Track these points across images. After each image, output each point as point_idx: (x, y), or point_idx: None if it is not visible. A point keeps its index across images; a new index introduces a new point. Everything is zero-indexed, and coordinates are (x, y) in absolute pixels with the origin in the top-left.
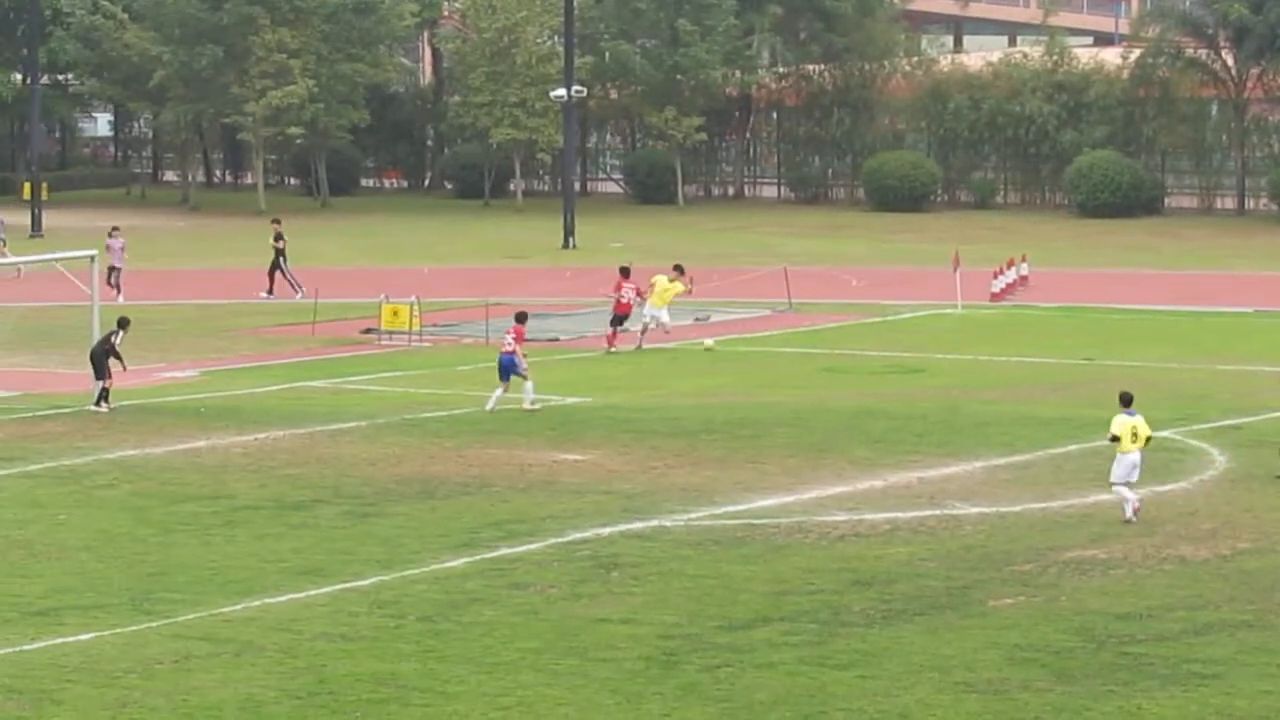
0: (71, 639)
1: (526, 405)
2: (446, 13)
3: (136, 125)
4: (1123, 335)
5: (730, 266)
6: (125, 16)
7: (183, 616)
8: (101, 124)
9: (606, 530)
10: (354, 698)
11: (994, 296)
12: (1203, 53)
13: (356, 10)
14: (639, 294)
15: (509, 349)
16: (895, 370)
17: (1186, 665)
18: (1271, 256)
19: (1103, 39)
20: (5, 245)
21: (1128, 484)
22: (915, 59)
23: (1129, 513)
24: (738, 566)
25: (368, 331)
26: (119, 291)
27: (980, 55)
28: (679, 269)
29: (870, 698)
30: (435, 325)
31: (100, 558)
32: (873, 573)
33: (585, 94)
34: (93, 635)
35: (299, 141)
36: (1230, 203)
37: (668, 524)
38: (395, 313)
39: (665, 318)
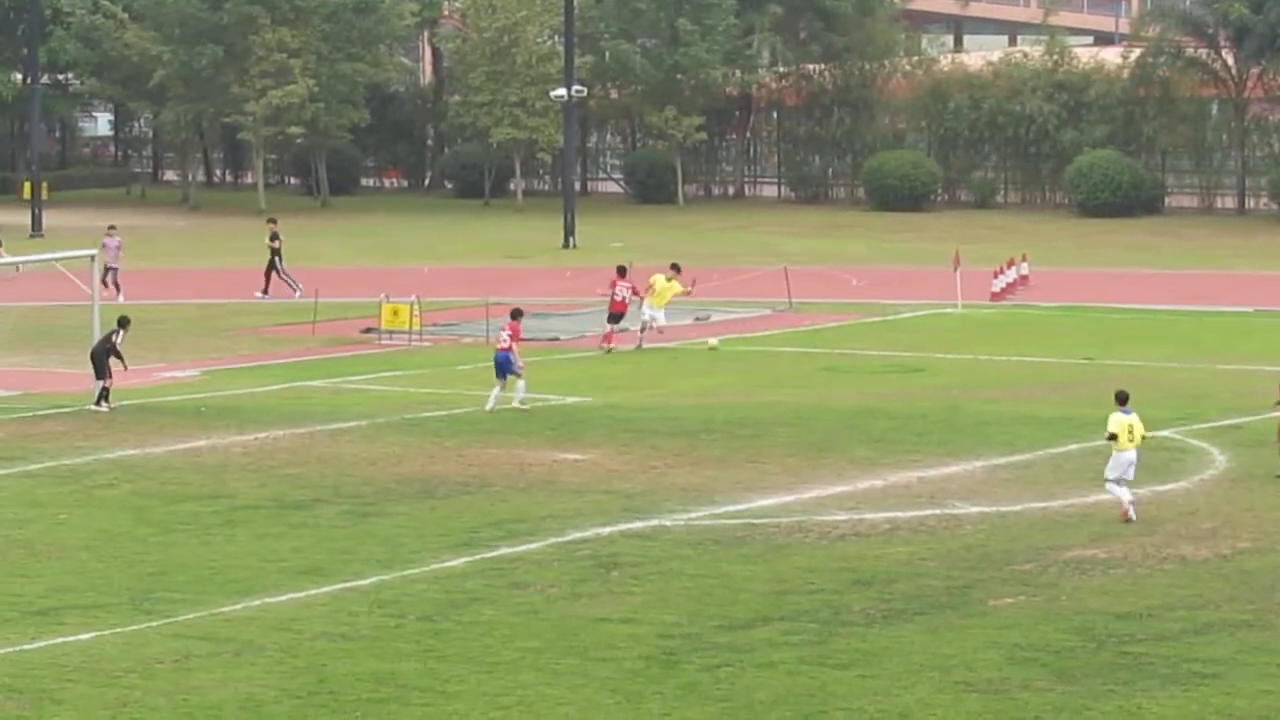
0: (72, 638)
1: (516, 404)
2: (447, 12)
3: (137, 125)
4: (1123, 335)
5: (730, 266)
6: (125, 16)
7: (183, 616)
8: (102, 123)
9: (606, 530)
10: (354, 697)
11: (994, 296)
12: (1203, 52)
13: (357, 10)
14: (634, 292)
15: (504, 346)
16: (895, 370)
17: (1187, 665)
18: (1272, 256)
19: (1103, 38)
20: (0, 245)
21: (1122, 482)
22: (915, 58)
23: (1130, 512)
24: (738, 566)
25: (368, 331)
26: (118, 291)
27: (980, 55)
28: (675, 268)
29: (870, 697)
30: (435, 325)
31: (100, 557)
32: (873, 572)
33: (585, 93)
34: (93, 635)
35: (299, 141)
36: (1230, 202)
37: (668, 523)
38: (395, 312)
39: (661, 318)
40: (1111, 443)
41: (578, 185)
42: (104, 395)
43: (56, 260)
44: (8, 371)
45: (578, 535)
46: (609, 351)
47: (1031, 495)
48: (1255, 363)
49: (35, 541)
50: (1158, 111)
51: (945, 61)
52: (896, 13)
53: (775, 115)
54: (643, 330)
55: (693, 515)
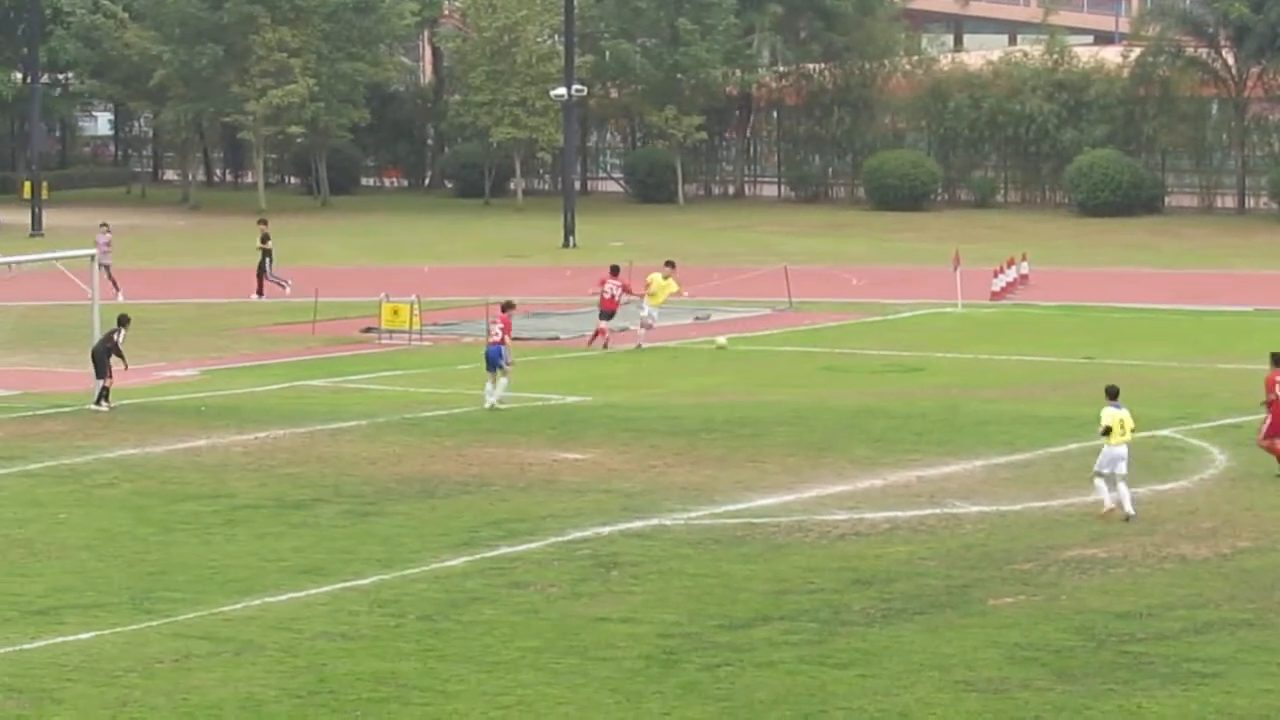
0: (72, 638)
1: (495, 400)
2: (447, 12)
3: (137, 124)
4: (1123, 334)
5: (730, 265)
6: (125, 15)
7: (183, 615)
8: (102, 123)
9: (606, 529)
10: (354, 696)
11: (994, 295)
12: (1203, 51)
13: (357, 9)
14: (626, 290)
15: (497, 340)
16: (895, 369)
17: (1187, 664)
18: (1272, 255)
19: (1103, 38)
20: None
21: (1116, 477)
22: (915, 58)
23: (1129, 507)
24: (738, 565)
25: (368, 330)
26: (116, 288)
27: (980, 54)
28: (670, 265)
29: (870, 696)
30: (435, 324)
31: (100, 557)
32: (873, 571)
33: (585, 93)
34: (93, 634)
35: (299, 140)
36: (1230, 201)
37: (668, 523)
38: (395, 312)
39: (655, 316)
40: (1104, 438)
41: (578, 185)
42: (104, 395)
43: (56, 260)
44: (8, 371)
45: (578, 535)
46: (605, 346)
47: (1031, 494)
48: (1255, 362)
49: (35, 541)
50: (1158, 111)
51: (945, 61)
52: (896, 12)
53: (775, 115)
54: (644, 329)
55: (693, 515)
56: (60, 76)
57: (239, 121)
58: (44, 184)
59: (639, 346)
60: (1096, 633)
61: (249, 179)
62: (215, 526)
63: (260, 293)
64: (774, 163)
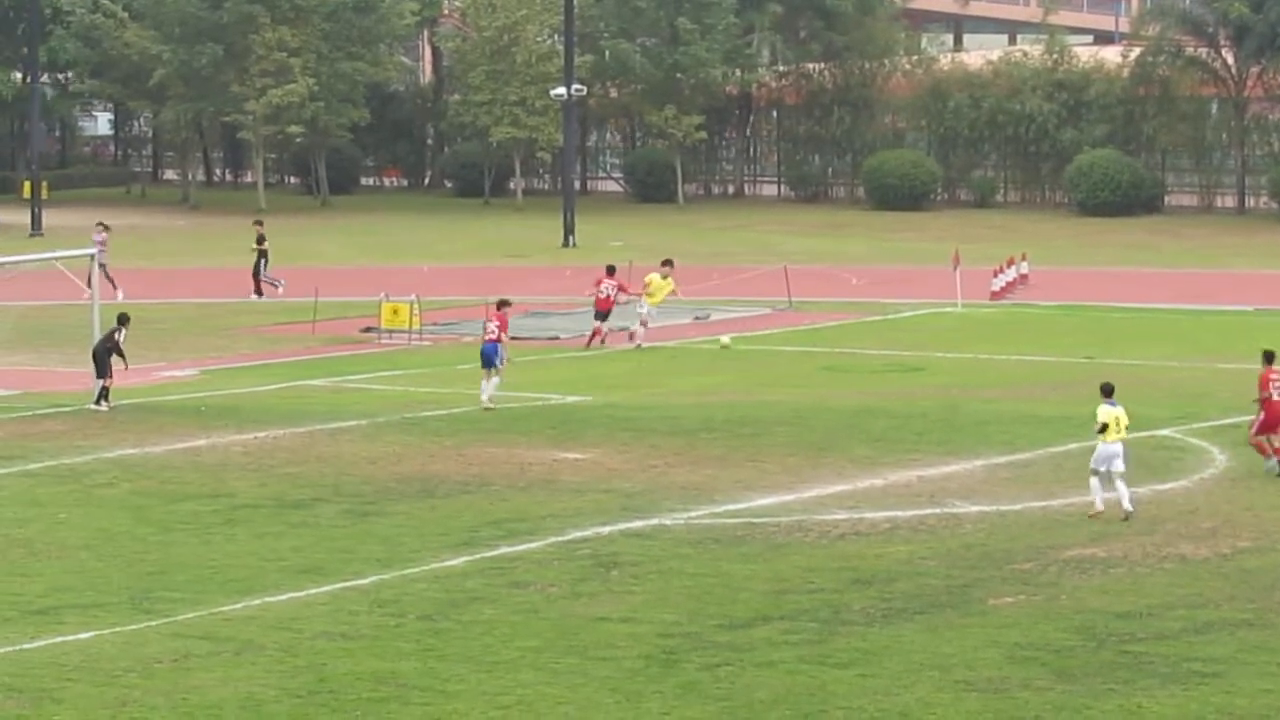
0: (71, 638)
1: (484, 399)
2: (446, 11)
3: (137, 124)
4: (1123, 334)
5: (730, 265)
6: (125, 15)
7: (182, 615)
8: (102, 123)
9: (606, 529)
10: (354, 696)
11: (994, 295)
12: (1203, 51)
13: (357, 9)
14: (622, 289)
15: (493, 337)
16: (895, 369)
17: (1187, 664)
18: (1271, 255)
19: (1103, 37)
20: None
21: (1113, 475)
22: (915, 57)
23: (1128, 504)
24: (738, 565)
25: (368, 330)
26: (115, 287)
27: (980, 54)
28: (668, 264)
29: (870, 696)
30: (435, 324)
31: (100, 556)
32: (873, 571)
33: (585, 92)
34: (92, 634)
35: (299, 140)
36: (1230, 201)
37: (668, 522)
38: (395, 311)
39: (653, 315)
40: (1100, 435)
41: (577, 184)
42: (103, 394)
43: (56, 260)
44: (8, 371)
45: (578, 534)
46: (603, 343)
47: (1031, 494)
48: (1255, 362)
49: (35, 541)
50: (1157, 110)
51: (945, 60)
52: (896, 12)
53: (775, 114)
54: (643, 327)
55: (692, 514)
56: (60, 76)
57: (239, 121)
58: (44, 184)
59: (639, 346)
60: (1096, 632)
61: (249, 179)
62: (215, 526)
63: (259, 293)
64: (774, 162)
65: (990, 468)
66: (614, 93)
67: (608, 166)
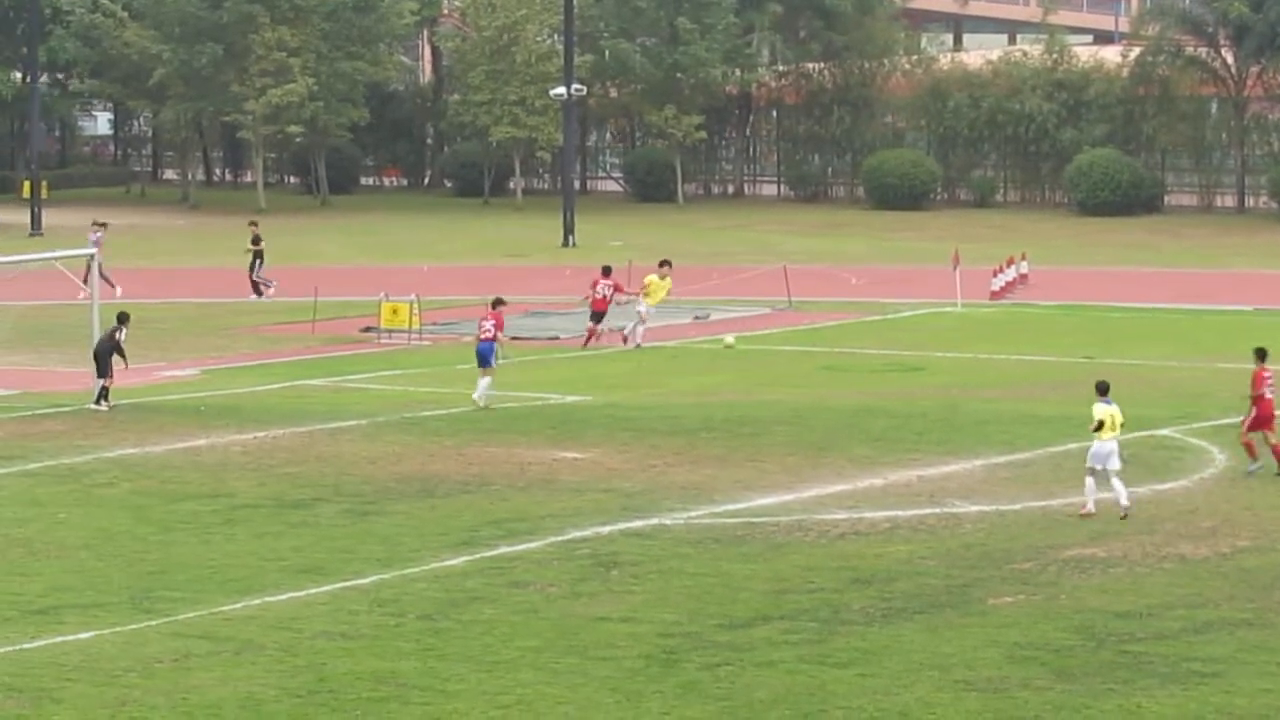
0: (71, 637)
1: (475, 397)
2: (446, 11)
3: (136, 123)
4: (1123, 333)
5: (730, 265)
6: (125, 15)
7: (182, 615)
8: (101, 122)
9: (606, 529)
10: (354, 696)
11: (994, 295)
12: (1202, 51)
13: (356, 8)
14: (618, 290)
15: (489, 336)
16: (895, 368)
17: (1186, 663)
18: (1271, 254)
19: (1102, 37)
20: None
21: (1109, 473)
22: (915, 57)
23: (1125, 501)
24: (738, 565)
25: (367, 330)
26: (113, 286)
27: (980, 53)
28: (666, 264)
29: (870, 696)
30: (435, 324)
31: (100, 556)
32: (873, 571)
33: (585, 92)
34: (92, 634)
35: (299, 140)
36: (1230, 201)
37: (667, 522)
38: (395, 311)
39: (651, 314)
40: (1095, 433)
41: (577, 184)
42: (103, 394)
43: (56, 259)
44: (7, 370)
45: (577, 534)
46: (600, 339)
47: (1031, 494)
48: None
49: (34, 540)
50: (1157, 110)
51: (945, 60)
52: (896, 11)
53: (775, 114)
54: (643, 325)
55: (692, 514)
56: (60, 76)
57: (238, 121)
58: (44, 183)
59: (638, 346)
60: (1096, 632)
61: (248, 178)
62: (215, 526)
63: (257, 293)
64: (773, 162)
65: (990, 467)
66: (614, 92)
67: (608, 166)
